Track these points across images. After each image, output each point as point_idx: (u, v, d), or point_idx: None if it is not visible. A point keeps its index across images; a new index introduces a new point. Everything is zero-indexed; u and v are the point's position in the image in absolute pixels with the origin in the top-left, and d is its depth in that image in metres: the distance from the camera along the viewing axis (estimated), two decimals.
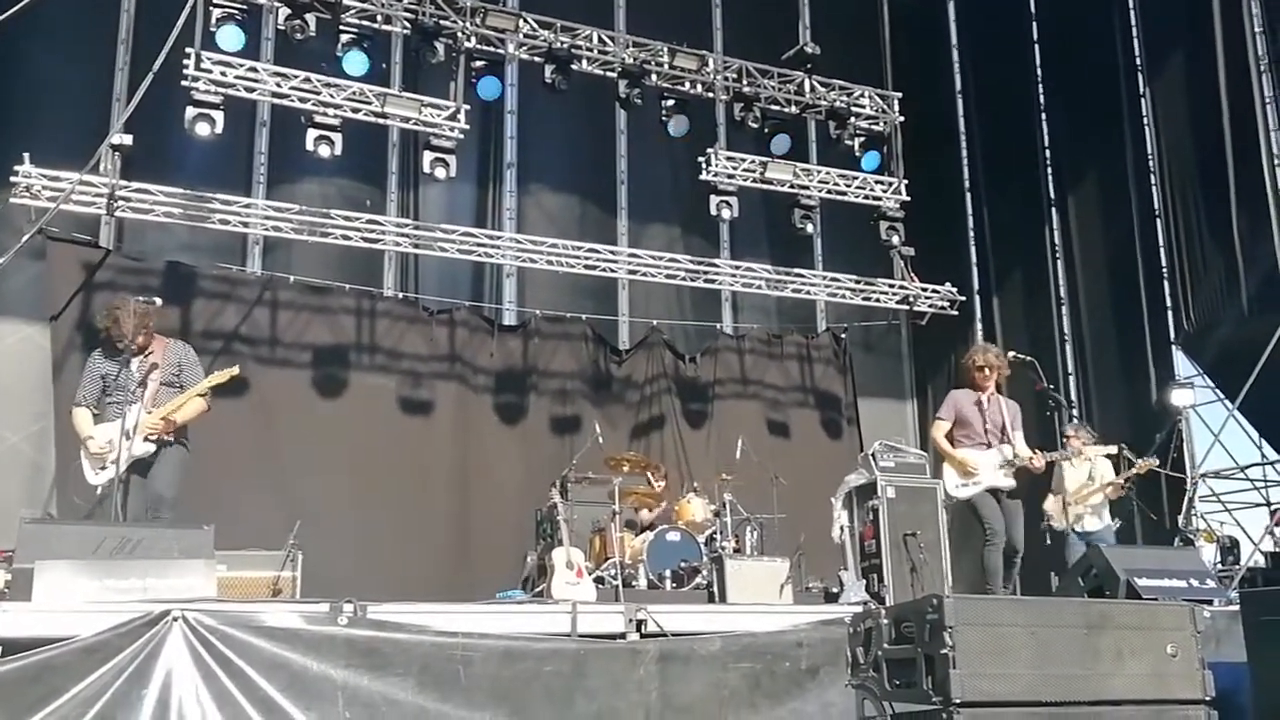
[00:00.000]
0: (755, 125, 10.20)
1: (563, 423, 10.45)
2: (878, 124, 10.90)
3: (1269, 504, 10.04)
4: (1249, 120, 9.53)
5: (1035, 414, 8.57)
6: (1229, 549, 9.62)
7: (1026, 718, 3.73)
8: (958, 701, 3.61)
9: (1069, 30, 11.63)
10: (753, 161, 10.29)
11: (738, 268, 11.17)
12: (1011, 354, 7.78)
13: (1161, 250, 10.46)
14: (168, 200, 8.71)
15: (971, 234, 12.51)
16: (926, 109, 11.72)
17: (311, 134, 8.51)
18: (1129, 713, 3.87)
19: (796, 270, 11.28)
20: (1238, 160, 9.54)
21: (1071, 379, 11.26)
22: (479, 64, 9.28)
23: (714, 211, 10.11)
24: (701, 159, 10.11)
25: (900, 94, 11.05)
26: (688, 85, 10.15)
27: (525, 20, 9.48)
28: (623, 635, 5.22)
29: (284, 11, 8.37)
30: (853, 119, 10.67)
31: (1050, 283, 11.56)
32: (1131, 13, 11.02)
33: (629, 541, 8.10)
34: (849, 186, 10.74)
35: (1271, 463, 9.88)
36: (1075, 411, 10.91)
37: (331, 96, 8.57)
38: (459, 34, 9.08)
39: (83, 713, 4.00)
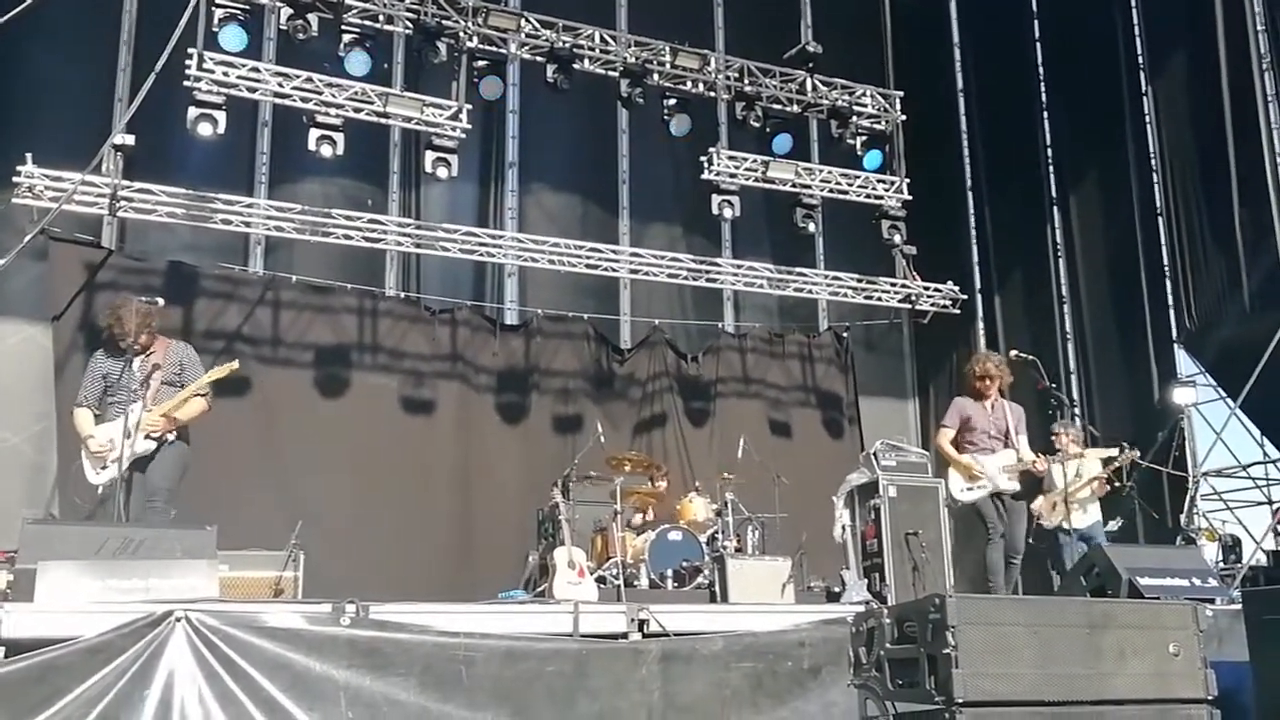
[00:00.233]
0: (757, 124, 10.19)
1: (564, 422, 10.45)
2: (879, 123, 10.88)
3: (1271, 502, 10.05)
4: (1251, 118, 9.51)
5: (1037, 413, 8.59)
6: (1231, 548, 9.62)
7: (1029, 717, 3.74)
8: (960, 701, 3.61)
9: (1070, 29, 11.60)
10: (754, 161, 10.27)
11: (739, 267, 11.18)
12: (1013, 353, 7.81)
13: (1163, 249, 10.42)
14: (170, 200, 8.73)
15: (973, 232, 12.50)
16: (928, 108, 11.72)
17: (313, 134, 8.50)
18: (1131, 712, 3.88)
19: (798, 269, 11.29)
20: (1239, 158, 9.52)
21: (1073, 377, 11.24)
22: (481, 64, 9.27)
23: (716, 211, 10.10)
24: (703, 158, 10.10)
25: (902, 93, 11.03)
26: (689, 84, 10.14)
27: (527, 20, 9.49)
28: (625, 635, 5.23)
29: (286, 12, 8.36)
30: (854, 118, 10.64)
31: (1052, 281, 11.54)
32: (1133, 11, 10.99)
33: (630, 541, 8.10)
34: (851, 185, 10.73)
35: (1273, 461, 9.87)
36: (1077, 410, 10.90)
37: (333, 96, 8.57)
38: (461, 34, 9.08)
39: (86, 713, 4.02)
